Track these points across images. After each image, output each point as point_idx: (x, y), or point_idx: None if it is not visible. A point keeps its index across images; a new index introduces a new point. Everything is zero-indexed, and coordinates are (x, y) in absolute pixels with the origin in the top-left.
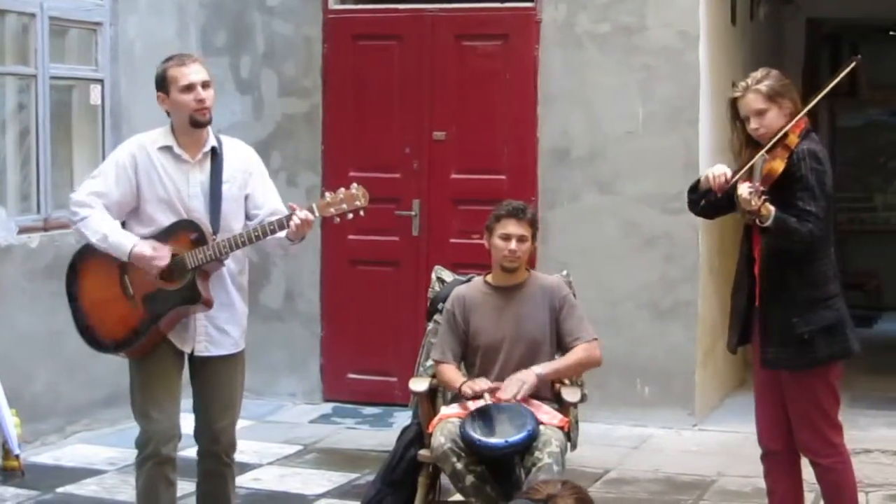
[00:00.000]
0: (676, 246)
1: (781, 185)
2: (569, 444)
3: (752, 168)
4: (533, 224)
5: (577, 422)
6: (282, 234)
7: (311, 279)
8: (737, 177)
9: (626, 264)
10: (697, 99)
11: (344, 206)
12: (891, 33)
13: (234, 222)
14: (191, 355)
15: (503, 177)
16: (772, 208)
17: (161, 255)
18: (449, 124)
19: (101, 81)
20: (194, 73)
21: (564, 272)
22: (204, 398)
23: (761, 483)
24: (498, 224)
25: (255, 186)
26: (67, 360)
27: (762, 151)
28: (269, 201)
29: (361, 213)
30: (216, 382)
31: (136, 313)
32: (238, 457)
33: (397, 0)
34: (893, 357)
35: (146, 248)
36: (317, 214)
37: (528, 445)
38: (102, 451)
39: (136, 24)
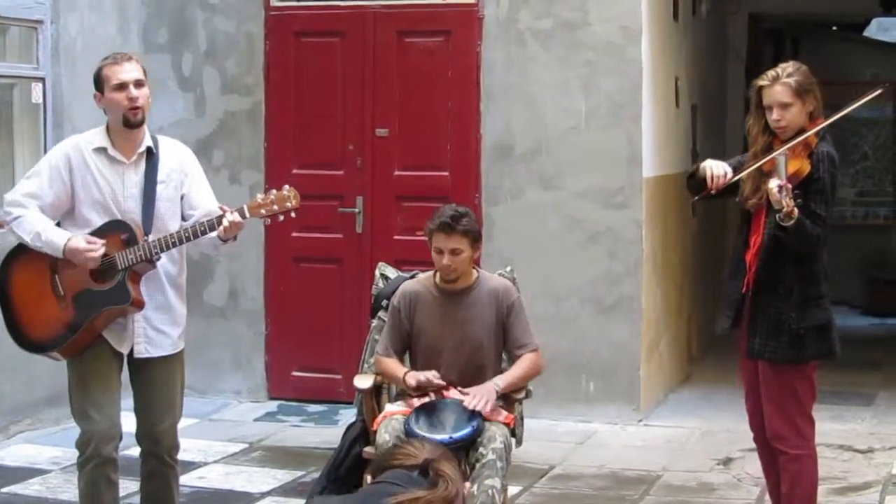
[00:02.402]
0: (620, 241)
1: (796, 184)
2: (513, 441)
3: (774, 161)
4: (467, 234)
5: (521, 418)
6: (213, 234)
7: (254, 277)
8: (738, 176)
9: (570, 260)
10: (640, 94)
11: (275, 207)
12: (833, 28)
13: (169, 223)
14: (130, 357)
15: (446, 173)
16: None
17: (95, 247)
18: (392, 121)
19: (42, 80)
20: (126, 71)
21: (508, 268)
22: (145, 399)
23: (706, 478)
24: (432, 237)
25: (190, 187)
26: (8, 359)
27: (784, 149)
28: (204, 202)
29: (292, 214)
30: (156, 383)
31: (66, 313)
32: (182, 455)
33: None
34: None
35: (80, 242)
36: (247, 216)
37: (472, 441)
38: (46, 450)
39: (77, 22)
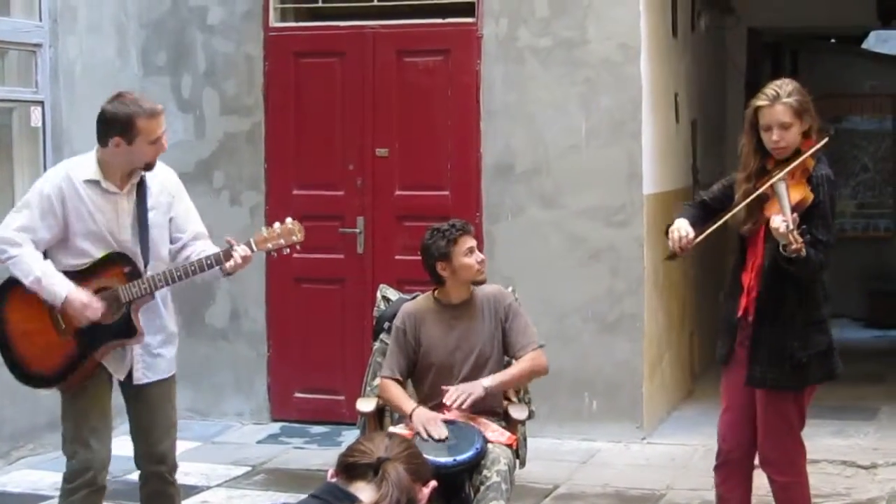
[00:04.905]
0: (621, 259)
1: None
2: (517, 462)
3: (773, 188)
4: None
5: (524, 439)
6: (217, 267)
7: (256, 298)
8: (700, 238)
9: (572, 278)
10: (640, 111)
11: (281, 240)
12: (831, 41)
13: (161, 248)
14: (128, 384)
15: (447, 192)
16: None
17: (95, 306)
18: (392, 141)
19: (41, 103)
20: (161, 126)
21: (510, 288)
22: (145, 422)
23: (710, 496)
24: (456, 245)
25: (178, 210)
26: (9, 384)
27: (783, 173)
28: (191, 224)
29: (297, 247)
30: (155, 406)
31: (68, 347)
32: (185, 479)
33: (338, 17)
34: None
35: (81, 296)
36: (255, 250)
37: (476, 464)
38: (48, 475)
39: (75, 45)
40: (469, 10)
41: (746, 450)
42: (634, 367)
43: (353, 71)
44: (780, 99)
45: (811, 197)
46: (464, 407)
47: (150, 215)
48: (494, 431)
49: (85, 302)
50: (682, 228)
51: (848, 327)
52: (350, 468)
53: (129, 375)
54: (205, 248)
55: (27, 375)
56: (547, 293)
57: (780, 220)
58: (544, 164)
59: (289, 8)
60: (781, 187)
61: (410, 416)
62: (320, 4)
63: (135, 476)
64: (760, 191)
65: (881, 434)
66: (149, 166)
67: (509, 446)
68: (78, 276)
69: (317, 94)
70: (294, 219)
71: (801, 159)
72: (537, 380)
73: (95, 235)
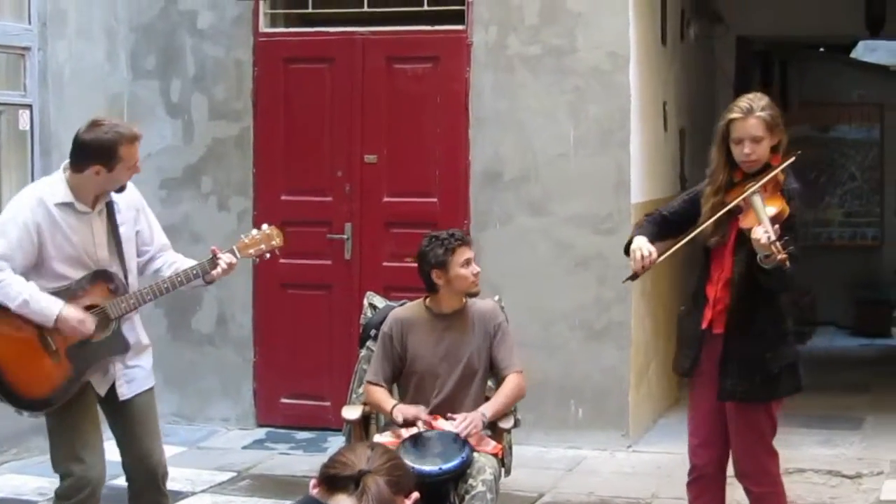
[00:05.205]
0: (609, 267)
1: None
2: (502, 471)
3: (747, 200)
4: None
5: (510, 447)
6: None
7: (243, 303)
8: (664, 256)
9: (559, 286)
10: (628, 120)
11: (262, 246)
12: (820, 50)
13: (132, 262)
14: (110, 399)
15: (435, 199)
16: None
17: (88, 320)
18: (380, 147)
19: (29, 107)
20: (139, 148)
21: (497, 297)
22: (134, 434)
23: None
24: (454, 255)
25: (143, 224)
26: None
27: (757, 186)
28: (157, 237)
29: (277, 251)
30: (142, 417)
31: (63, 367)
32: (170, 484)
33: (328, 23)
34: (826, 374)
35: (74, 312)
36: (238, 256)
37: (462, 472)
38: (32, 480)
39: (64, 49)
40: (459, 17)
41: (719, 464)
42: (621, 375)
43: (342, 77)
44: (753, 112)
45: (787, 210)
46: (473, 435)
47: (122, 230)
48: (480, 440)
49: (80, 317)
50: (643, 248)
51: (835, 335)
52: (331, 480)
53: (111, 391)
54: (174, 259)
55: (24, 401)
56: (534, 301)
57: (763, 232)
58: (533, 171)
59: (279, 13)
60: (758, 200)
61: (391, 411)
62: (310, 10)
63: (119, 482)
64: (734, 203)
65: (866, 444)
66: (122, 189)
67: (495, 455)
68: (62, 297)
69: (306, 100)
70: (271, 224)
71: (773, 173)
72: None
73: (72, 258)
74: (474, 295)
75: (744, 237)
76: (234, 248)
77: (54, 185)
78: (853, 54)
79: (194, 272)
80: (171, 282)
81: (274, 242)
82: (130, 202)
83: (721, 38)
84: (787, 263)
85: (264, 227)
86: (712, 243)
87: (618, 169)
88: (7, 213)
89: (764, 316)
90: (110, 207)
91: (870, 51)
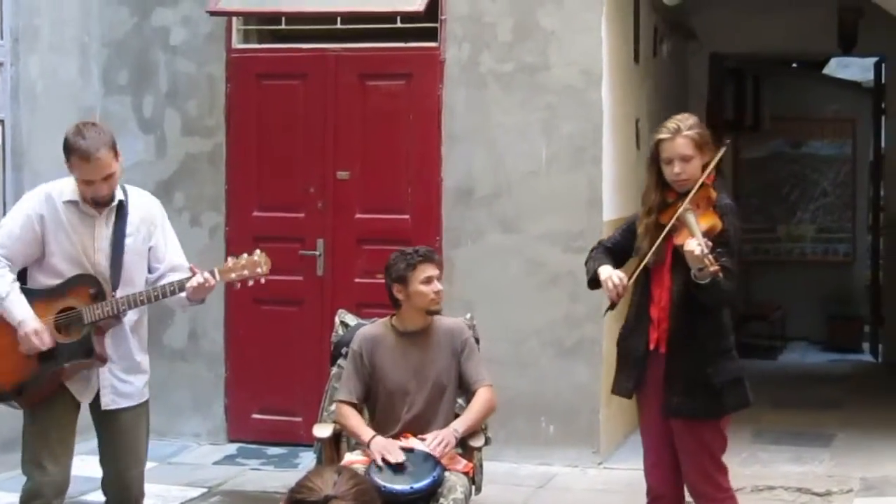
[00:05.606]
0: (580, 284)
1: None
2: (473, 489)
3: (680, 218)
4: (440, 265)
5: (481, 465)
6: (181, 294)
7: (215, 319)
8: (631, 280)
9: (531, 303)
10: (600, 137)
11: (245, 272)
12: (793, 66)
13: (136, 275)
14: (96, 407)
15: (407, 216)
16: None
17: (43, 340)
18: (353, 164)
19: (1, 122)
20: (95, 171)
21: (468, 315)
22: (112, 449)
23: None
24: (415, 271)
25: (157, 240)
26: None
27: (686, 203)
28: (170, 255)
29: (262, 280)
30: (123, 433)
31: (30, 363)
32: None
33: (301, 39)
34: (796, 390)
35: (31, 327)
36: (218, 279)
37: (433, 491)
38: (2, 496)
39: (37, 64)
40: (432, 34)
41: (674, 484)
42: (592, 392)
43: (315, 93)
44: (681, 132)
45: (720, 225)
46: (446, 453)
47: (127, 241)
48: (451, 459)
49: (33, 332)
50: (613, 276)
51: (807, 350)
52: None
53: (98, 400)
54: (174, 277)
55: None
56: (506, 318)
57: (696, 244)
58: (505, 188)
59: (251, 29)
60: (690, 216)
61: (368, 444)
62: (283, 26)
63: (92, 497)
64: (670, 224)
65: (836, 461)
66: (94, 201)
67: (465, 474)
68: (46, 294)
69: (279, 116)
70: (263, 251)
71: (698, 185)
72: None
73: (71, 256)
74: (436, 313)
75: (680, 255)
76: (216, 269)
77: (65, 184)
78: (826, 70)
79: (171, 288)
80: (147, 295)
81: (259, 270)
82: (147, 217)
83: (694, 54)
84: (720, 275)
85: (256, 253)
86: (650, 263)
87: (590, 186)
88: (17, 205)
89: (705, 332)
90: (122, 217)
91: (843, 67)
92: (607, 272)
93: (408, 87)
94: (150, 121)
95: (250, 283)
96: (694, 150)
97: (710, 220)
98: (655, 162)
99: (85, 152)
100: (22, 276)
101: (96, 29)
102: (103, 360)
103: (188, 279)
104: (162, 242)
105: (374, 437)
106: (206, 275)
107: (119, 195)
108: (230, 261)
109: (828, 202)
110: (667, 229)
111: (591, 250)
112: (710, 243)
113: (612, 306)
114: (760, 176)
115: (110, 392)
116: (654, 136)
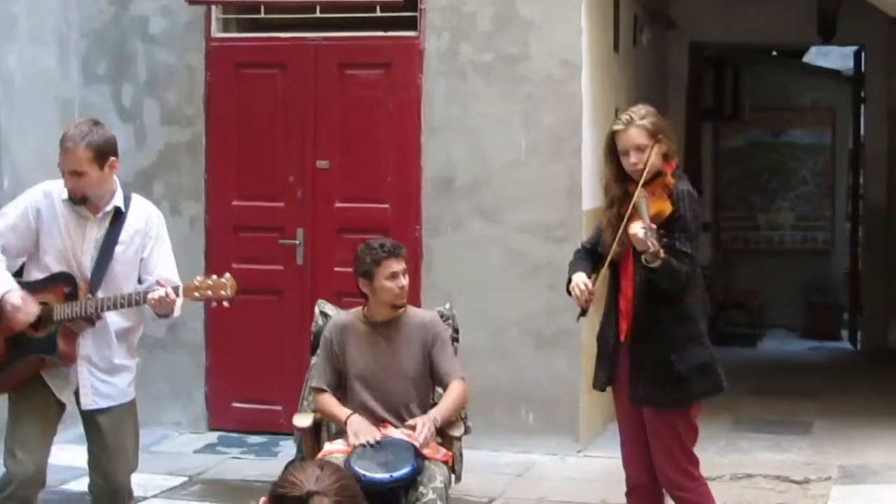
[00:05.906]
0: (560, 274)
1: (659, 224)
2: (453, 477)
3: (635, 205)
4: (405, 259)
5: (460, 454)
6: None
7: (195, 308)
8: (597, 283)
9: (511, 293)
10: (580, 128)
11: (209, 293)
12: (773, 54)
13: (123, 284)
14: (79, 406)
15: (387, 206)
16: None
17: (29, 310)
18: (333, 153)
19: None
20: (66, 161)
21: (447, 305)
22: (97, 449)
23: None
24: (380, 266)
25: (150, 251)
26: None
27: (639, 190)
28: (160, 269)
29: (225, 303)
30: (108, 433)
31: None
32: None
33: (280, 28)
34: (775, 378)
35: (16, 299)
36: (180, 295)
37: (412, 480)
38: None
39: (15, 54)
40: (412, 23)
41: (653, 476)
42: (572, 381)
43: (294, 83)
44: (633, 123)
45: (669, 208)
46: (428, 439)
47: (118, 249)
48: (431, 448)
49: (18, 304)
50: (579, 283)
51: (785, 338)
52: (280, 499)
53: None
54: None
55: None
56: (485, 307)
57: (640, 227)
58: (485, 178)
59: (231, 19)
60: (643, 204)
61: (345, 422)
62: (262, 15)
63: (73, 486)
64: (628, 214)
65: (814, 449)
66: (71, 197)
67: (445, 462)
68: (27, 287)
69: (258, 106)
70: (231, 276)
71: (646, 172)
72: (475, 393)
73: (61, 255)
74: (399, 307)
75: None
76: (180, 286)
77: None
78: (806, 59)
79: (137, 297)
80: (114, 301)
81: (223, 293)
82: (143, 229)
83: (674, 43)
84: (661, 254)
85: (225, 276)
86: (615, 254)
87: (570, 176)
88: (18, 197)
89: (668, 319)
90: (117, 224)
91: (822, 55)
92: (575, 280)
93: (387, 77)
94: (130, 111)
95: (213, 304)
96: (648, 139)
97: (659, 206)
98: (613, 154)
99: (64, 139)
100: (20, 274)
101: (75, 19)
102: (69, 358)
103: (153, 290)
104: (155, 255)
105: (350, 414)
106: (169, 289)
107: (118, 202)
108: (197, 279)
109: (807, 191)
110: (626, 220)
111: (575, 252)
112: (653, 226)
113: (583, 312)
114: (740, 164)
115: (91, 392)
116: (609, 128)
